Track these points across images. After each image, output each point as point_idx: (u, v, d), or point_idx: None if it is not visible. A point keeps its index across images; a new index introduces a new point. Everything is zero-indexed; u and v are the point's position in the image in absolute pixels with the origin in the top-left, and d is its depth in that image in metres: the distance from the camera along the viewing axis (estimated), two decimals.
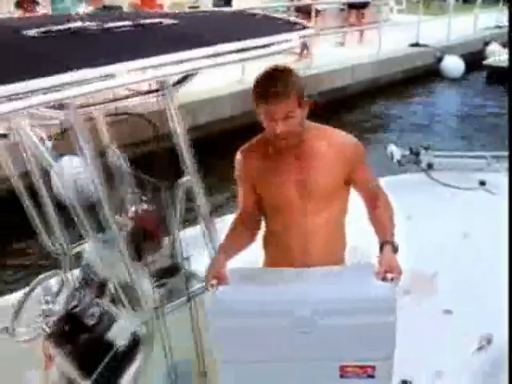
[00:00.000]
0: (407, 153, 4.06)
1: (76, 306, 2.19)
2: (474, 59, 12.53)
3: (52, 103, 1.46)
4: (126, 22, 1.67)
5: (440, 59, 12.09)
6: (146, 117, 2.08)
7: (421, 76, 11.72)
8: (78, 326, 2.12)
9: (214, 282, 1.76)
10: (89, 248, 2.56)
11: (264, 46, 1.70)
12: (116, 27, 1.63)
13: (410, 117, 10.02)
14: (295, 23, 1.85)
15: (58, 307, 2.34)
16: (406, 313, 1.85)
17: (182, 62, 1.54)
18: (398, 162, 3.98)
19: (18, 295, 2.53)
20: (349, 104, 9.62)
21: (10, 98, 1.24)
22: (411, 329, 2.03)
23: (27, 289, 2.39)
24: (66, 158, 2.11)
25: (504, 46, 13.03)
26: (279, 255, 2.00)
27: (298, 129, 1.79)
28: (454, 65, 12.33)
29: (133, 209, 2.30)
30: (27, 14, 5.96)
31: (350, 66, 9.99)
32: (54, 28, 1.56)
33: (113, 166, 2.33)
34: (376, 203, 1.93)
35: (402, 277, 1.75)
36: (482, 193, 3.84)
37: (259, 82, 1.77)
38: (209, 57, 1.58)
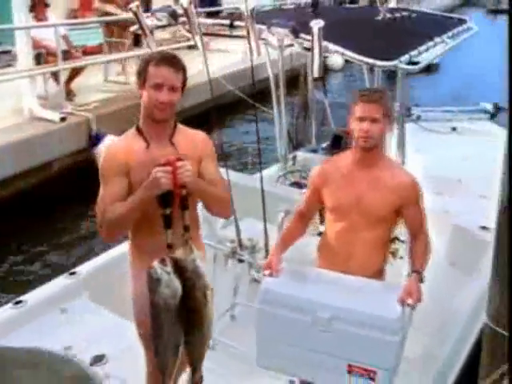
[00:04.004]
0: None
1: None
2: None
3: None
4: (404, 13, 3.01)
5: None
6: None
7: None
8: None
9: (268, 272, 2.18)
10: (302, 155, 4.17)
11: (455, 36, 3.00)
12: (406, 17, 2.98)
13: None
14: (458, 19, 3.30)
15: None
16: None
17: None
18: None
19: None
20: None
21: None
22: None
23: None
24: None
25: None
26: (328, 257, 2.33)
27: (378, 137, 2.14)
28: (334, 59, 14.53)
29: None
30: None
31: None
32: (387, 16, 2.84)
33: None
34: (416, 238, 2.23)
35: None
36: (454, 135, 5.46)
37: (362, 90, 2.26)
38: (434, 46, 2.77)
